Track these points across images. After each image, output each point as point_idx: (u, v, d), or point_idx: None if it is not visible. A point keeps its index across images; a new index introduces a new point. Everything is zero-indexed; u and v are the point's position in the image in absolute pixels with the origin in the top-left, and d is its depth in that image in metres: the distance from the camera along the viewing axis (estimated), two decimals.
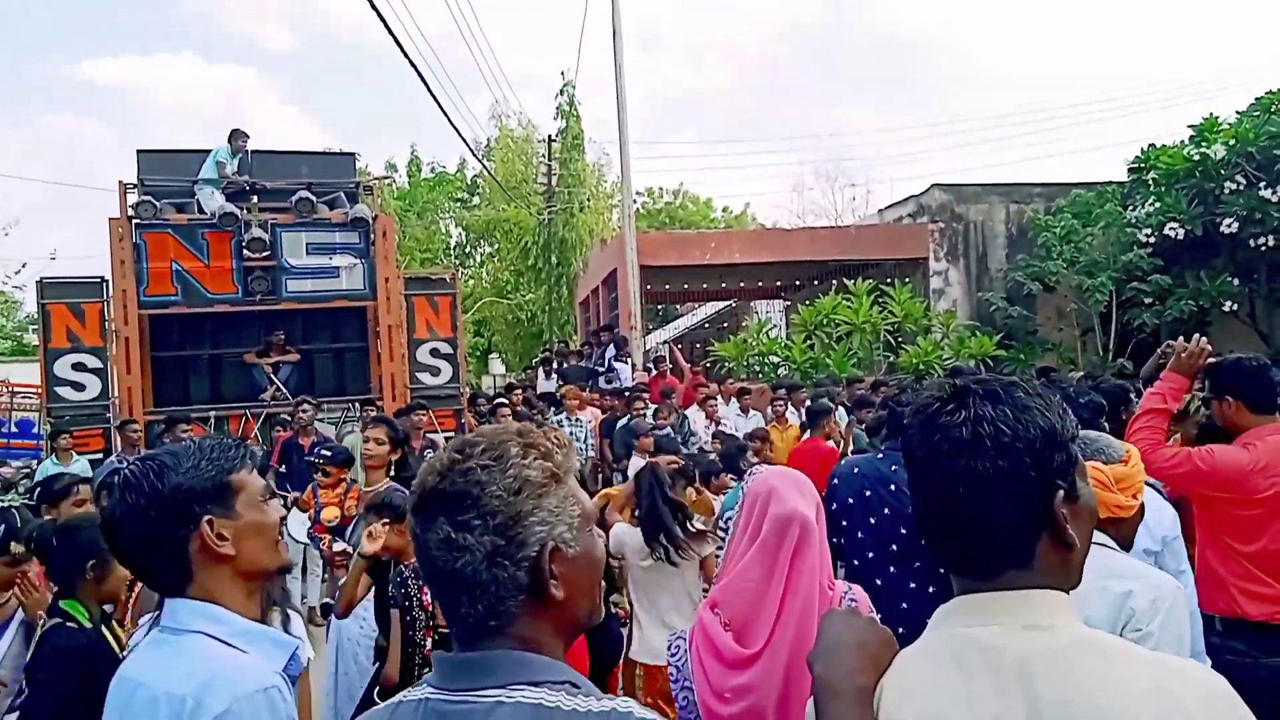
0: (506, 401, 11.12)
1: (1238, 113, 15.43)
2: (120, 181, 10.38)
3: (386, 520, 3.90)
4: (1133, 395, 6.00)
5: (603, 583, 1.36)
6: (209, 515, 1.69)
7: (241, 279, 10.30)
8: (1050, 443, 1.23)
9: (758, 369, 15.52)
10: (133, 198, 10.25)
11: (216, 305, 10.38)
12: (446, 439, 9.36)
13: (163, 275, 10.10)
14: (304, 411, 9.05)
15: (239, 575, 1.73)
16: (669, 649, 2.36)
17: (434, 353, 11.12)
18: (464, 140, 22.70)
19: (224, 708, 1.53)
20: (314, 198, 10.48)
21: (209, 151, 10.63)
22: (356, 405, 10.25)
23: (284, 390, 10.49)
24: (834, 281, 17.04)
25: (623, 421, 10.04)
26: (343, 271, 10.60)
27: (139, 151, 10.69)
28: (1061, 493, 1.22)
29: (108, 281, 10.23)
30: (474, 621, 1.23)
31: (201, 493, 1.70)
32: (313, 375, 11.15)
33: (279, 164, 11.14)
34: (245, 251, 10.22)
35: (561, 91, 29.23)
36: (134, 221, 10.10)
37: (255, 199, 10.63)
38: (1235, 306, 14.90)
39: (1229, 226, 14.41)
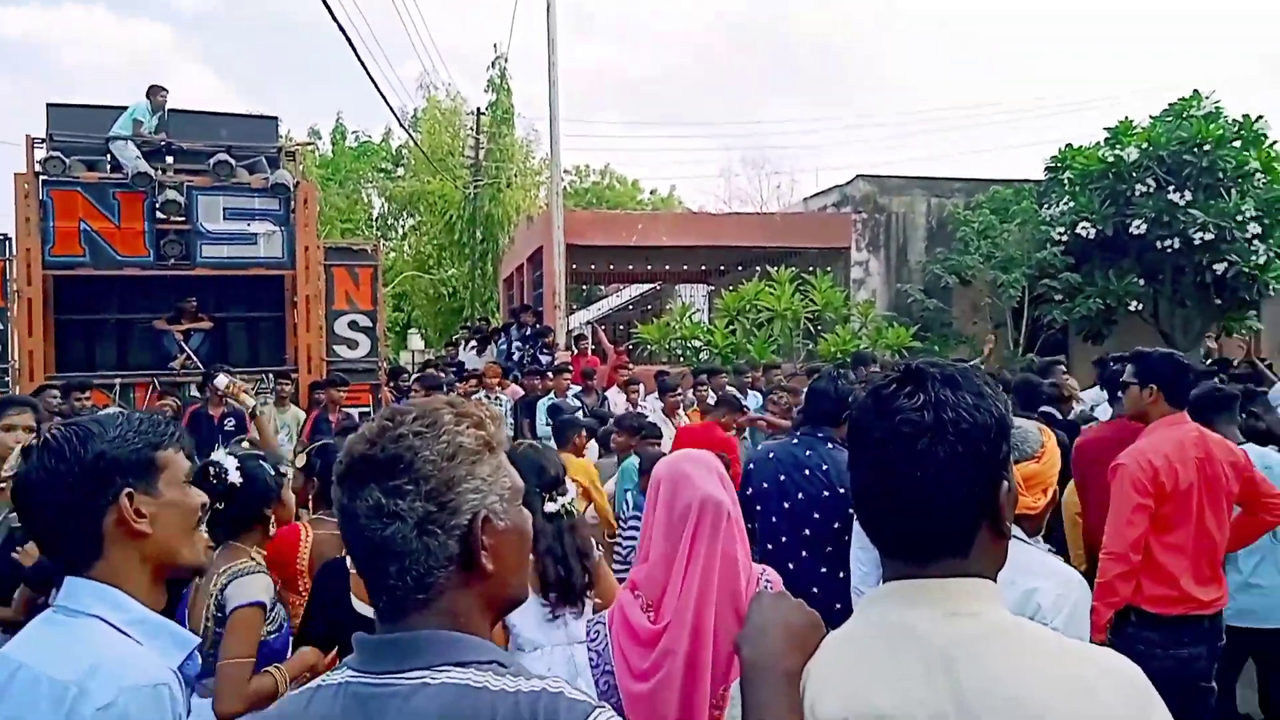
0: (439, 375, 11.01)
1: (1151, 117, 15.91)
2: (27, 135, 9.93)
3: None
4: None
5: (530, 558, 1.35)
6: (129, 489, 1.63)
7: (154, 242, 9.95)
8: (1003, 432, 1.24)
9: (680, 353, 15.61)
10: (40, 153, 9.81)
11: (126, 268, 10.00)
12: (362, 415, 9.26)
13: (70, 235, 9.69)
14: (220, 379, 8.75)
15: (149, 559, 1.67)
16: (588, 634, 2.37)
17: (353, 325, 10.92)
18: (390, 108, 22.45)
19: (109, 699, 1.46)
20: (233, 161, 10.18)
21: (123, 108, 10.22)
22: (271, 376, 10.01)
23: (195, 359, 10.19)
24: (758, 268, 17.19)
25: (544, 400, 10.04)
26: (261, 238, 10.31)
27: (49, 105, 10.19)
28: (1005, 483, 1.24)
29: (10, 240, 9.79)
30: (401, 593, 1.20)
31: (126, 464, 1.64)
32: (226, 345, 10.84)
33: (197, 125, 10.75)
34: (158, 214, 9.85)
35: (493, 64, 28.98)
36: (41, 178, 9.67)
37: (171, 160, 10.29)
38: (1140, 306, 15.41)
39: (1138, 228, 14.89)
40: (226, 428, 7.90)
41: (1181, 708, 3.44)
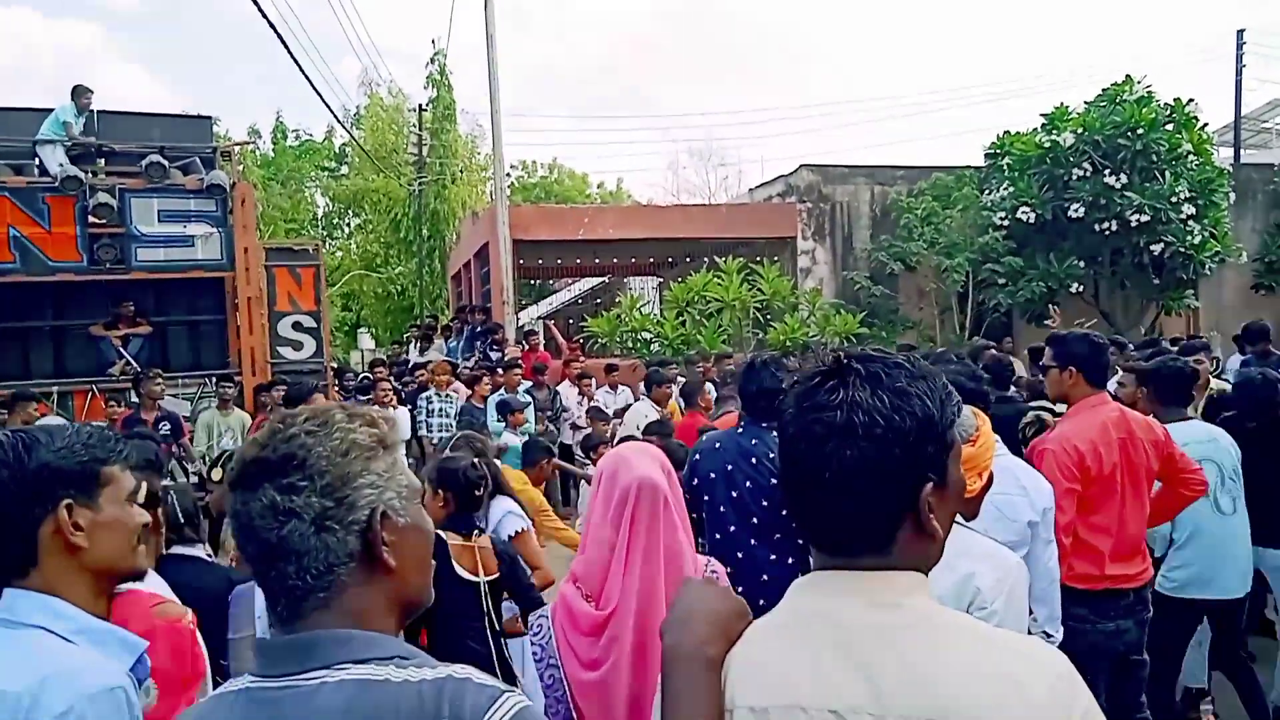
0: (386, 375, 10.88)
1: (1085, 103, 16.21)
2: None
3: None
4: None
5: (433, 562, 1.33)
6: (69, 500, 1.61)
7: (87, 246, 9.78)
8: (926, 433, 1.19)
9: (630, 345, 15.60)
10: None
11: (59, 274, 9.82)
12: None
13: None
14: (156, 384, 8.64)
15: (88, 571, 1.64)
16: (531, 629, 2.35)
17: (296, 326, 10.82)
18: (328, 107, 22.06)
19: (65, 707, 1.43)
20: (166, 162, 10.02)
21: (50, 110, 10.01)
22: (212, 380, 9.86)
23: (134, 364, 10.01)
24: (706, 259, 17.23)
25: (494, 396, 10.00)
26: (198, 240, 10.17)
27: None
28: (930, 484, 1.19)
29: None
30: (301, 593, 1.18)
31: (68, 475, 1.62)
32: (166, 349, 10.69)
33: (128, 126, 10.60)
34: (90, 217, 9.69)
35: (432, 60, 28.80)
36: None
37: (102, 162, 10.10)
38: (1080, 288, 15.70)
39: (1076, 211, 15.17)
40: (161, 431, 7.78)
41: (1117, 681, 3.54)
